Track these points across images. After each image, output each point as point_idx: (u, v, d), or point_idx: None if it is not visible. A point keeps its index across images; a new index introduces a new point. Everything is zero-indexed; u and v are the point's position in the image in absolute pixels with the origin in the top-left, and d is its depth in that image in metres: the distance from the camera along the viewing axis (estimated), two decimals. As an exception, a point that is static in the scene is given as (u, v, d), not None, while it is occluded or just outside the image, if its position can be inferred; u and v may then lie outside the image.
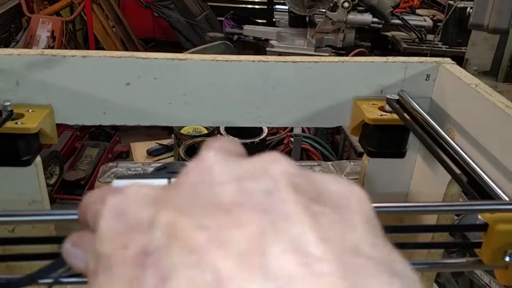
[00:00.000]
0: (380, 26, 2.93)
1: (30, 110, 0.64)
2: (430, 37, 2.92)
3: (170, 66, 0.66)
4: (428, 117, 0.62)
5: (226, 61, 0.68)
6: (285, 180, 0.22)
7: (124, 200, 0.23)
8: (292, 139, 2.29)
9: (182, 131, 2.12)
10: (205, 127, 2.19)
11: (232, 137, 2.11)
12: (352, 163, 1.57)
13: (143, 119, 0.69)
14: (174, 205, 0.22)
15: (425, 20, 3.03)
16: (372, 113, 0.65)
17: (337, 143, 2.67)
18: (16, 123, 0.61)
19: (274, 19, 3.55)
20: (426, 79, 0.70)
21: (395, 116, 0.64)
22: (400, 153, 0.67)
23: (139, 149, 2.23)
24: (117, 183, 0.29)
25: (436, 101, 0.70)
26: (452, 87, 0.67)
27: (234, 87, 0.69)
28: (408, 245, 0.46)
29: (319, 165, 1.79)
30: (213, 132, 2.17)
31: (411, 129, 0.60)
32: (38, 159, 0.69)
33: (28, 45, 3.39)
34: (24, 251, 0.45)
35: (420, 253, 0.68)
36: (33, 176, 0.68)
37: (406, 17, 2.98)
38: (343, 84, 0.70)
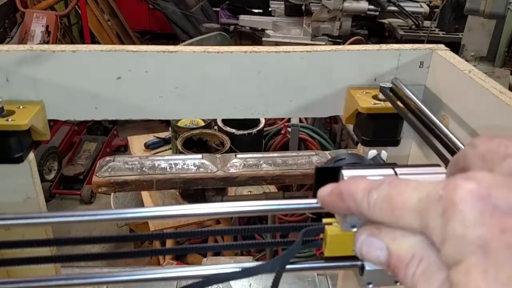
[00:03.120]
0: (377, 13, 2.91)
1: (21, 107, 0.63)
2: (427, 23, 2.90)
3: (161, 59, 0.66)
4: (421, 105, 0.61)
5: (218, 52, 0.67)
6: None
7: (481, 185, 0.23)
8: (289, 129, 2.28)
9: (179, 123, 2.11)
10: (202, 119, 2.19)
11: (229, 128, 2.11)
12: (350, 152, 1.57)
13: (135, 113, 0.68)
14: None
15: (421, 6, 3.01)
16: (366, 102, 0.65)
17: (335, 132, 2.66)
18: (7, 120, 0.60)
19: (270, 9, 3.52)
20: (420, 66, 0.70)
21: (388, 104, 0.63)
22: (394, 141, 0.67)
23: (137, 142, 2.23)
24: (346, 173, 0.34)
25: (430, 88, 0.70)
26: (445, 74, 0.66)
27: (227, 78, 0.69)
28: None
29: (316, 154, 1.79)
30: (210, 124, 2.17)
31: (404, 117, 0.60)
32: (32, 155, 0.68)
33: (23, 40, 3.37)
34: (21, 254, 0.44)
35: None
36: (27, 172, 0.68)
37: (402, 4, 2.96)
38: (337, 73, 0.70)
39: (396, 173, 0.34)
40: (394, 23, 2.99)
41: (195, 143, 2.06)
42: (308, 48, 0.69)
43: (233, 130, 2.10)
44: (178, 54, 0.66)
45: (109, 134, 3.51)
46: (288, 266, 0.37)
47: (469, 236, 0.22)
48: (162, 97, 0.68)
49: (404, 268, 0.25)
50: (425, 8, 2.99)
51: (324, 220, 0.36)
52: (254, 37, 3.37)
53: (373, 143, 0.66)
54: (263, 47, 0.69)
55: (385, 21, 3.06)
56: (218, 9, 4.18)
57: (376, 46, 0.69)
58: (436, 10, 2.95)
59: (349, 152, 0.58)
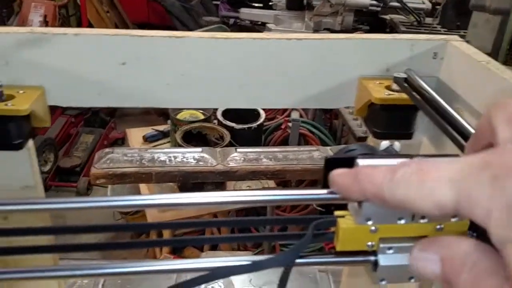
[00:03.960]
0: (379, 8, 2.88)
1: (21, 92, 0.61)
2: (428, 20, 2.88)
3: (168, 44, 0.63)
4: (437, 96, 0.59)
5: (226, 39, 0.65)
6: None
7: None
8: (289, 124, 2.26)
9: (179, 116, 2.09)
10: (202, 113, 2.16)
11: (229, 122, 2.08)
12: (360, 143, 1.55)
13: (140, 101, 0.66)
14: None
15: (423, 3, 2.99)
16: (379, 92, 0.62)
17: (335, 128, 2.64)
18: (6, 104, 0.58)
19: (270, 2, 3.49)
20: (433, 57, 0.68)
21: (403, 95, 0.61)
22: (407, 134, 0.65)
23: (135, 135, 2.20)
24: (361, 162, 0.31)
25: (443, 80, 0.68)
26: (461, 65, 0.64)
27: (234, 66, 0.66)
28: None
29: (317, 150, 1.77)
30: (209, 117, 2.14)
31: (421, 108, 0.57)
32: (31, 143, 0.66)
33: (20, 30, 3.33)
34: (19, 243, 0.42)
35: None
36: (26, 160, 0.65)
37: (404, 0, 2.93)
38: (348, 63, 0.68)
39: None
40: (395, 19, 2.97)
41: (194, 137, 2.03)
42: (320, 35, 0.67)
43: (233, 124, 2.07)
44: (185, 40, 0.63)
45: (106, 127, 3.48)
46: (298, 260, 0.35)
47: None
48: (168, 85, 0.65)
49: (457, 275, 0.23)
50: (427, 5, 2.97)
51: (336, 213, 0.34)
52: (254, 31, 3.34)
53: (385, 136, 0.64)
54: (273, 34, 0.66)
55: (387, 17, 3.03)
56: (218, 2, 4.15)
57: (390, 36, 0.67)
58: (438, 7, 2.92)
59: (360, 143, 0.57)
